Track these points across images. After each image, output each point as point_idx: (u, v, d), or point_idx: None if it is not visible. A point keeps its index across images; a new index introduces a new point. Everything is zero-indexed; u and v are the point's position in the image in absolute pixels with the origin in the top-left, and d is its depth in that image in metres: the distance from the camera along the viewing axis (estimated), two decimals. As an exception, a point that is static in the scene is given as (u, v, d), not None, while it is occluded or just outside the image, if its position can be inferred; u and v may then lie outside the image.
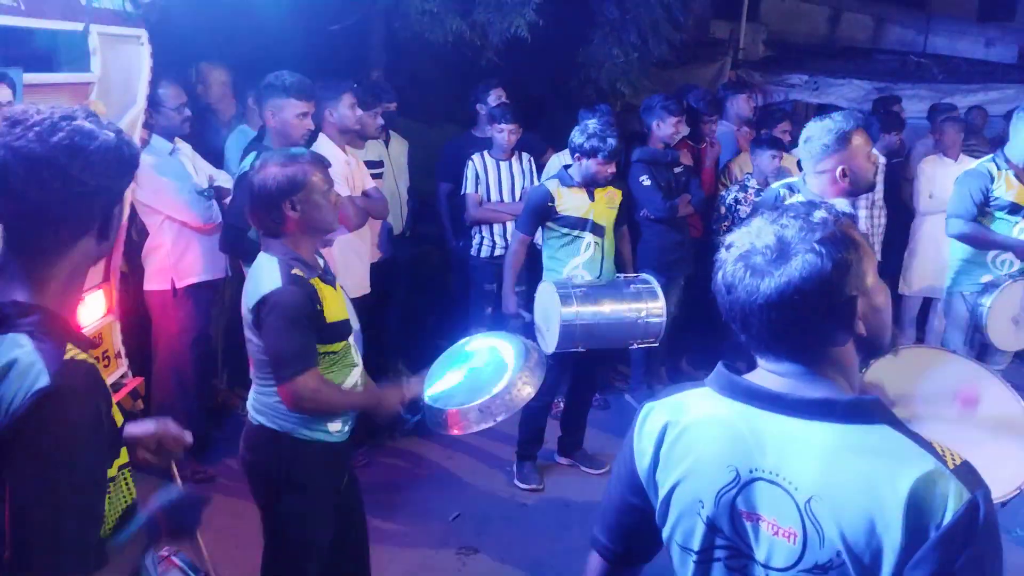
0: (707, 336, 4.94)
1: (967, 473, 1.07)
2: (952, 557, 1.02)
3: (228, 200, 3.73)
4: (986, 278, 3.88)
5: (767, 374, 1.20)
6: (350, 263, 3.81)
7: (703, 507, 1.20)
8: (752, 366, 1.24)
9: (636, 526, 1.32)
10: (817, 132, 2.79)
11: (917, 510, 1.04)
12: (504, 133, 4.66)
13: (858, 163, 2.79)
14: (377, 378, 2.63)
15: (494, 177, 4.79)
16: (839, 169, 2.74)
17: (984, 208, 3.89)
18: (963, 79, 7.90)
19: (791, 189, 3.04)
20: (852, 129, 2.76)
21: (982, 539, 1.04)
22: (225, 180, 3.97)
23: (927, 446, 1.10)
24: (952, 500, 1.03)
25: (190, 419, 3.90)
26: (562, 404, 4.36)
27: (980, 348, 3.91)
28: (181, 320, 3.89)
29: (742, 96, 5.72)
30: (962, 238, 3.97)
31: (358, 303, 3.48)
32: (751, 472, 1.16)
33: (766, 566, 1.15)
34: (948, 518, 1.03)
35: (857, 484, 1.08)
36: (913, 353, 2.88)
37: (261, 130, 4.15)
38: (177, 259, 3.84)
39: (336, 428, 2.41)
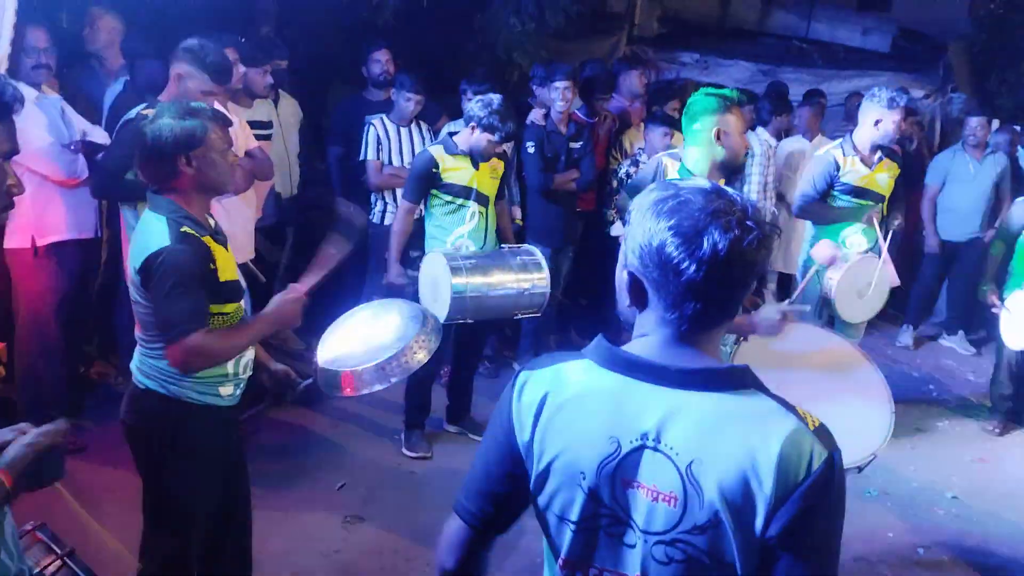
0: (597, 307, 5.07)
1: (825, 434, 1.17)
2: (810, 506, 1.12)
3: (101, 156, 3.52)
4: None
5: (646, 345, 1.24)
6: (233, 227, 3.67)
7: (584, 478, 1.22)
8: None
9: (507, 495, 1.33)
10: (699, 98, 2.92)
11: (786, 467, 1.13)
12: (411, 103, 4.61)
13: (732, 138, 2.92)
14: (262, 345, 2.57)
15: (395, 143, 4.72)
16: (715, 130, 2.86)
17: (831, 191, 4.13)
18: (841, 65, 8.32)
19: (673, 158, 3.17)
20: (733, 103, 2.89)
21: (835, 492, 1.14)
22: (101, 136, 3.73)
23: (792, 409, 1.19)
24: (815, 458, 1.13)
25: (56, 386, 3.73)
26: (449, 372, 4.39)
27: (828, 321, 4.13)
28: (44, 281, 3.65)
29: (635, 72, 5.81)
30: (801, 215, 4.27)
31: (242, 270, 3.37)
32: (632, 442, 1.19)
33: (645, 531, 1.19)
34: (811, 473, 1.13)
35: (735, 446, 1.14)
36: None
37: (127, 83, 3.92)
38: (38, 215, 3.58)
39: (227, 392, 2.35)
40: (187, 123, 2.15)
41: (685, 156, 3.05)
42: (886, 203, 4.22)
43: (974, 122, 5.95)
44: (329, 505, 3.59)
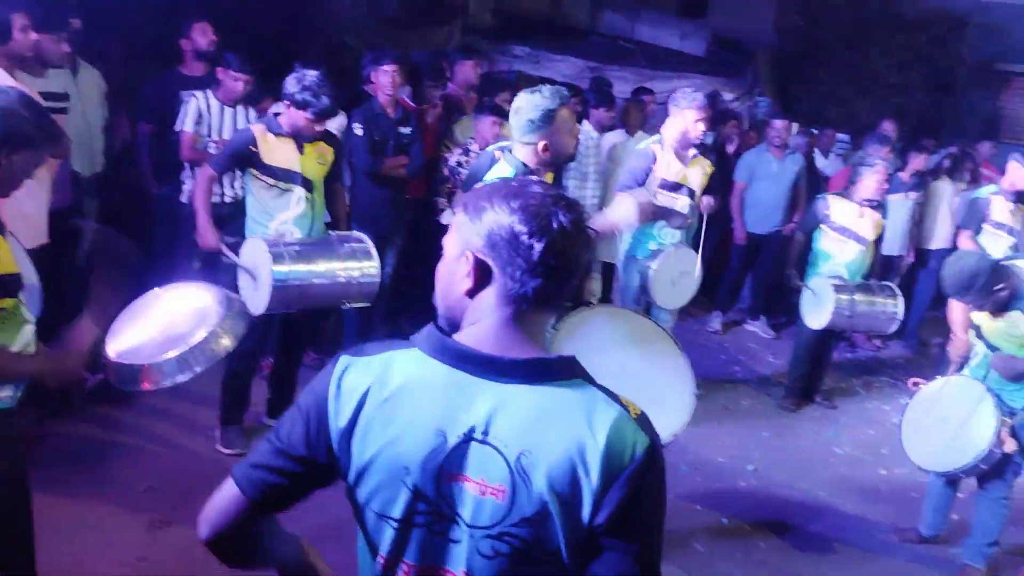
0: (427, 295, 5.04)
1: (646, 423, 1.21)
2: (634, 492, 1.15)
3: None
4: (653, 245, 4.34)
5: (479, 333, 1.22)
6: (24, 209, 3.32)
7: (408, 474, 1.19)
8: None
9: (300, 475, 1.26)
10: (526, 106, 2.92)
11: (611, 455, 1.15)
12: (239, 83, 4.41)
13: (560, 138, 2.97)
14: (57, 337, 2.33)
15: (217, 121, 4.48)
16: (542, 144, 2.90)
17: (649, 185, 4.32)
18: (662, 67, 8.76)
19: (504, 151, 3.19)
20: (557, 107, 2.92)
21: (656, 477, 1.18)
22: None
23: (615, 398, 1.21)
24: (638, 445, 1.16)
25: None
26: (272, 364, 4.21)
27: (646, 308, 4.38)
28: None
29: (469, 62, 5.81)
30: None
31: (35, 255, 3.05)
32: (460, 435, 1.17)
33: (472, 526, 1.17)
34: (633, 461, 1.16)
35: (563, 437, 1.15)
36: (592, 312, 3.14)
37: None
38: None
39: (6, 394, 2.13)
40: None
41: (516, 149, 3.06)
42: (699, 198, 4.47)
43: (778, 124, 6.44)
44: (133, 509, 3.34)
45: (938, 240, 6.60)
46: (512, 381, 1.18)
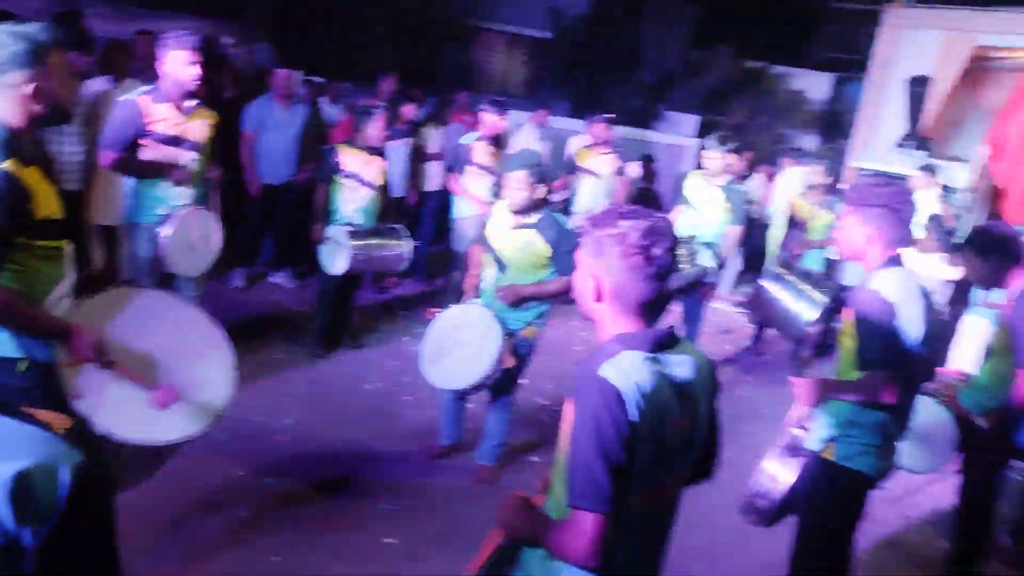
0: None
1: (77, 436, 1.06)
2: (92, 519, 1.00)
3: None
4: (162, 209, 4.00)
5: None
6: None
7: None
8: None
9: None
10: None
11: (28, 489, 0.99)
12: None
13: (55, 90, 2.41)
14: None
15: None
16: (34, 87, 2.27)
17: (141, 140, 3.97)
18: (150, 4, 8.00)
19: None
20: (50, 46, 2.30)
21: (100, 491, 1.03)
22: None
23: (31, 419, 1.06)
24: (63, 467, 1.02)
25: None
26: None
27: (161, 279, 4.06)
28: None
29: None
30: (115, 168, 4.03)
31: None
32: None
33: None
34: (62, 486, 1.02)
35: None
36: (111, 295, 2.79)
37: None
38: None
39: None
40: None
41: None
42: (208, 152, 4.21)
43: (282, 74, 6.38)
44: None
45: (432, 182, 7.33)
46: None
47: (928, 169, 7.57)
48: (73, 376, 2.16)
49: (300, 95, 6.63)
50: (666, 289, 1.76)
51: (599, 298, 1.78)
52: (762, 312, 5.47)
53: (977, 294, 5.41)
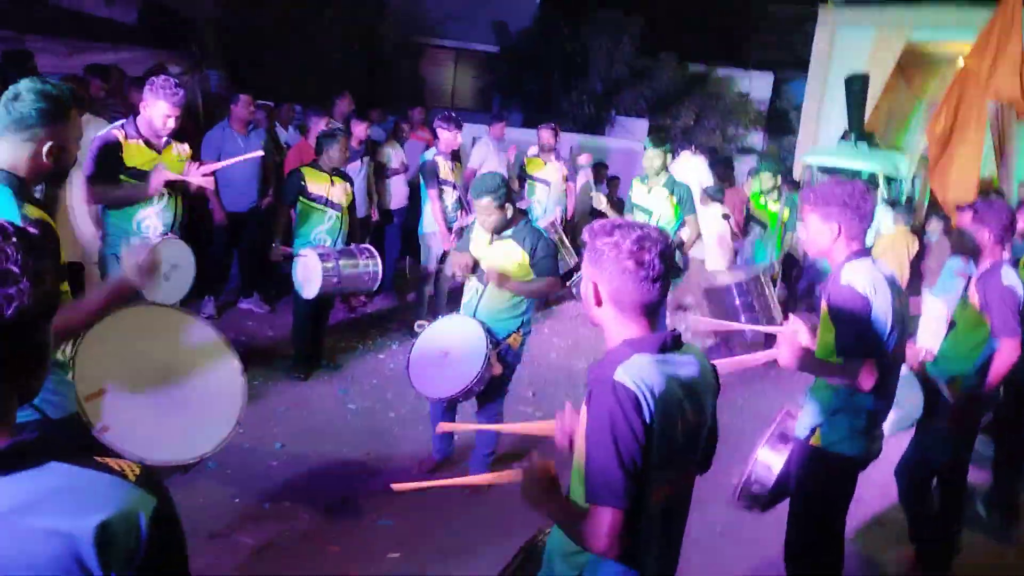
0: None
1: (147, 481, 1.09)
2: (153, 565, 1.05)
3: None
4: (136, 240, 3.97)
5: None
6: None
7: None
8: None
9: None
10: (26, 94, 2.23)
11: (111, 538, 1.01)
12: None
13: (69, 153, 2.36)
14: None
15: None
16: (50, 146, 2.27)
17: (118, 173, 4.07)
18: (96, 38, 7.91)
19: None
20: (71, 104, 2.32)
21: (169, 540, 1.09)
22: None
23: (105, 468, 1.07)
24: (142, 514, 1.05)
25: None
26: None
27: None
28: None
29: None
30: (95, 200, 4.12)
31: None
32: None
33: None
34: (143, 531, 1.04)
35: (40, 542, 0.97)
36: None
37: None
38: None
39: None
40: None
41: None
42: (181, 184, 4.23)
43: (242, 99, 6.35)
44: None
45: (395, 199, 7.38)
46: None
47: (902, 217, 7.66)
48: (96, 409, 2.18)
49: (257, 120, 6.60)
50: (662, 291, 1.86)
51: (599, 302, 1.88)
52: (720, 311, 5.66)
53: (951, 265, 5.74)
